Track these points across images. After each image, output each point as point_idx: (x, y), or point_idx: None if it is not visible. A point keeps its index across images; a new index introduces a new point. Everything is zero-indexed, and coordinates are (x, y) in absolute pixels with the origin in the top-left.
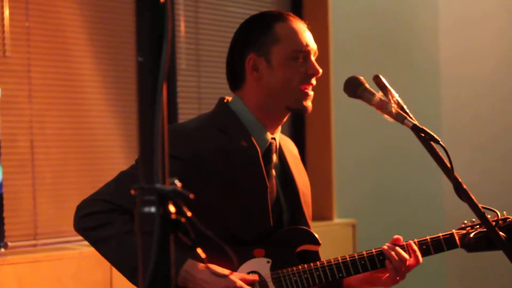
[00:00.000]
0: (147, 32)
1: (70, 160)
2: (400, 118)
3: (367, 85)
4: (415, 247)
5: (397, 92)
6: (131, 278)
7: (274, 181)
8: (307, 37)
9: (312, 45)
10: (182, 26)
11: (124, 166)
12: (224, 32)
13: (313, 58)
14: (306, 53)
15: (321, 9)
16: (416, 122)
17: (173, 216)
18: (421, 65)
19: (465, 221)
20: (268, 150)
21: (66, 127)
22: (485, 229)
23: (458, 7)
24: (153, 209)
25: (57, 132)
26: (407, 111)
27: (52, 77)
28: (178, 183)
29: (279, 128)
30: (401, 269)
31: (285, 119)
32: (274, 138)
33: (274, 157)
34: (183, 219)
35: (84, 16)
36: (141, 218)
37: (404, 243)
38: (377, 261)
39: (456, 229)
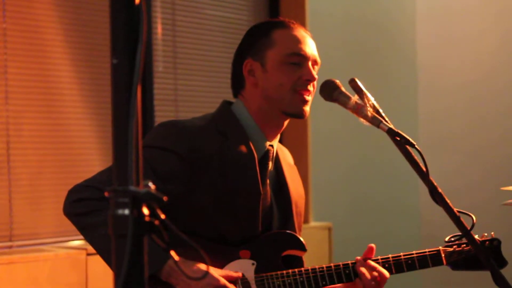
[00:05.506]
0: (121, 34)
1: (46, 162)
2: (375, 121)
3: (343, 89)
4: (375, 264)
5: (374, 99)
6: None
7: (268, 188)
8: (305, 43)
9: (310, 52)
10: (159, 29)
11: (100, 168)
12: (201, 34)
13: (310, 64)
14: (302, 58)
15: (298, 16)
16: (391, 126)
17: (147, 219)
18: (399, 73)
19: (452, 237)
20: (264, 156)
21: (43, 128)
22: (471, 248)
23: (436, 15)
24: (126, 211)
25: (34, 134)
26: (383, 114)
27: (28, 79)
28: (151, 186)
29: (278, 136)
30: (371, 285)
31: (284, 127)
32: (271, 146)
33: (270, 165)
34: (156, 222)
35: (61, 17)
36: (115, 220)
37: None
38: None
39: (443, 246)
